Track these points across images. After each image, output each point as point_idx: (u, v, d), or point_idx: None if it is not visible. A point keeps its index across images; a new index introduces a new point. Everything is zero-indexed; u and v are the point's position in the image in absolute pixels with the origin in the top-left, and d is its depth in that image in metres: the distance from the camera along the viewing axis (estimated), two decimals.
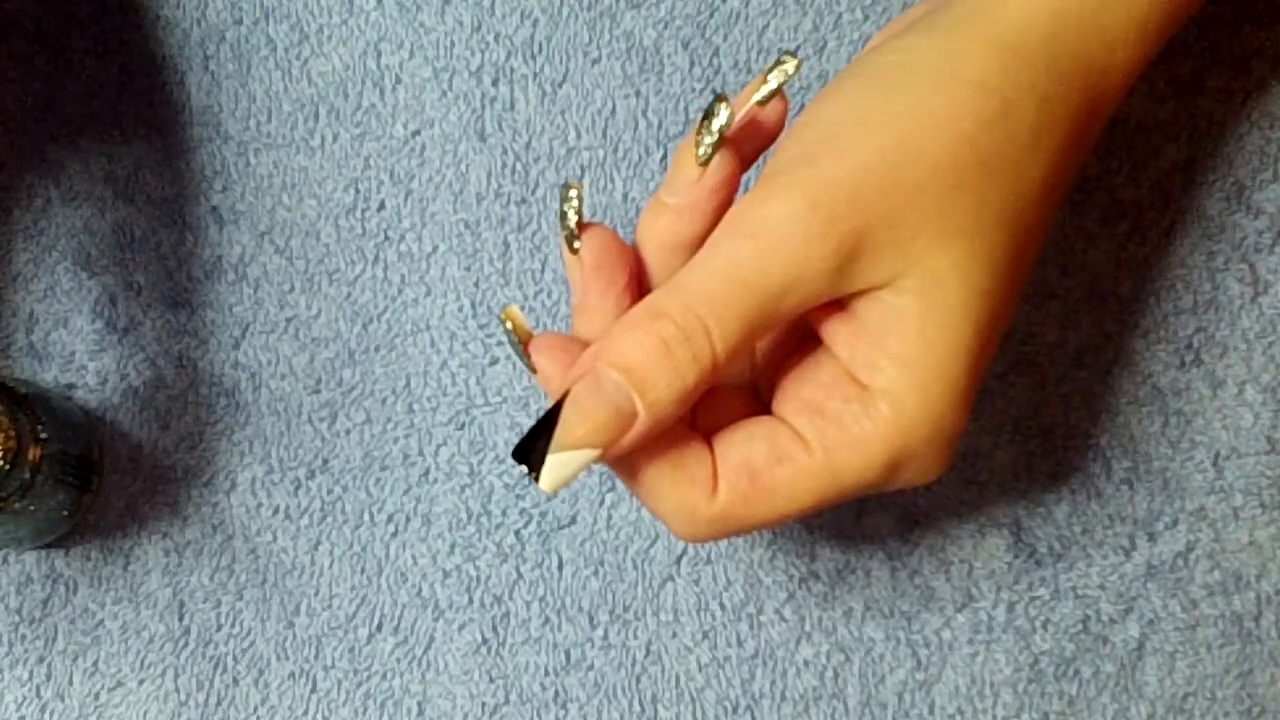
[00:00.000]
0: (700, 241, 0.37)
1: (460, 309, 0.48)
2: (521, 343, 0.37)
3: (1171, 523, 0.47)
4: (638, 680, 0.47)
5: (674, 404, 0.35)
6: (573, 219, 0.37)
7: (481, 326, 0.48)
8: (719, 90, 0.36)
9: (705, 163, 0.37)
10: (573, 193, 0.37)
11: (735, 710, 0.47)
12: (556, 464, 0.35)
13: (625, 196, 0.48)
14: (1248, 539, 0.47)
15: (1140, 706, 0.47)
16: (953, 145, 0.35)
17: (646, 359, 0.35)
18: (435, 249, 0.48)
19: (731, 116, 0.36)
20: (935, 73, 0.36)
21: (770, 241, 0.35)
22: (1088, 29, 0.37)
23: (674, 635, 0.47)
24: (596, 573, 0.47)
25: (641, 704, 0.47)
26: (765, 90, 0.37)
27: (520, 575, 0.47)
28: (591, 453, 0.35)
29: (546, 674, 0.47)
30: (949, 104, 0.36)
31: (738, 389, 0.40)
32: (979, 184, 0.36)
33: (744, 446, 0.37)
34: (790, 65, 0.36)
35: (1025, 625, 0.47)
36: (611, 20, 0.48)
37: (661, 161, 0.48)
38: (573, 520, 0.47)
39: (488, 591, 0.47)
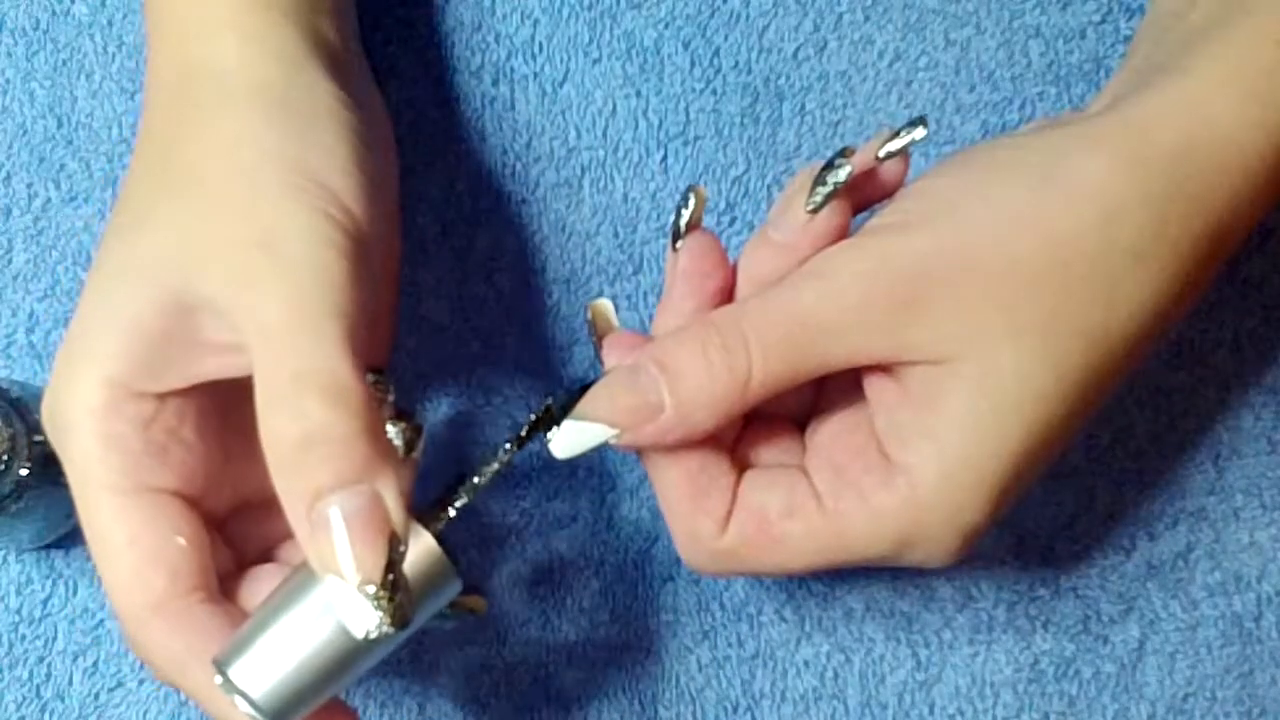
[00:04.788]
0: None
1: (459, 308, 0.48)
2: (599, 336, 0.39)
3: (1171, 523, 0.47)
4: (638, 680, 0.47)
5: (703, 408, 0.36)
6: (684, 220, 0.38)
7: (480, 326, 0.48)
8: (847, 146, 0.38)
9: (814, 211, 0.37)
10: (692, 198, 0.38)
11: (735, 710, 0.47)
12: (570, 430, 0.37)
13: (625, 196, 0.48)
14: (1248, 539, 0.47)
15: (1140, 706, 0.47)
16: (1036, 244, 0.35)
17: (683, 358, 0.36)
18: (434, 248, 0.48)
19: (850, 173, 0.37)
20: (1034, 171, 0.36)
21: (831, 287, 0.36)
22: (1228, 152, 0.36)
23: (674, 635, 0.47)
24: (597, 573, 0.47)
25: (641, 704, 0.47)
26: (888, 149, 0.37)
27: (520, 575, 0.47)
28: (607, 430, 0.36)
29: (546, 674, 0.47)
30: (1039, 202, 0.35)
31: (789, 425, 0.40)
32: (1061, 287, 0.35)
33: (763, 493, 0.38)
34: (920, 132, 0.37)
35: (1025, 625, 0.47)
36: (612, 20, 0.48)
37: (662, 162, 0.48)
38: (573, 520, 0.47)
39: (487, 591, 0.47)
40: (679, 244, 0.38)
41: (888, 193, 0.38)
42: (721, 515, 0.38)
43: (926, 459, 0.36)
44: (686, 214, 0.38)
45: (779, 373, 0.36)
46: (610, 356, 0.38)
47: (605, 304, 0.39)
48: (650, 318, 0.48)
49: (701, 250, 0.38)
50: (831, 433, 0.39)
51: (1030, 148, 0.37)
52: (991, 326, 0.35)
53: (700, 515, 0.38)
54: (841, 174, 0.36)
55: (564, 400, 0.37)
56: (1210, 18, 0.38)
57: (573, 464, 0.47)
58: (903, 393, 0.36)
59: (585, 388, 0.37)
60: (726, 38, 0.48)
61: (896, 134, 0.37)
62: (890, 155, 0.37)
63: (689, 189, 0.38)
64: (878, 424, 0.37)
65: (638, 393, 0.36)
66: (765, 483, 0.38)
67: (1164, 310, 0.36)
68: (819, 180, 0.37)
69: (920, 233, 0.36)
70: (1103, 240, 0.35)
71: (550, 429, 0.37)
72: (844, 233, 0.37)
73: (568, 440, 0.37)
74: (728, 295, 0.39)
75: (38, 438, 0.43)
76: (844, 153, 0.37)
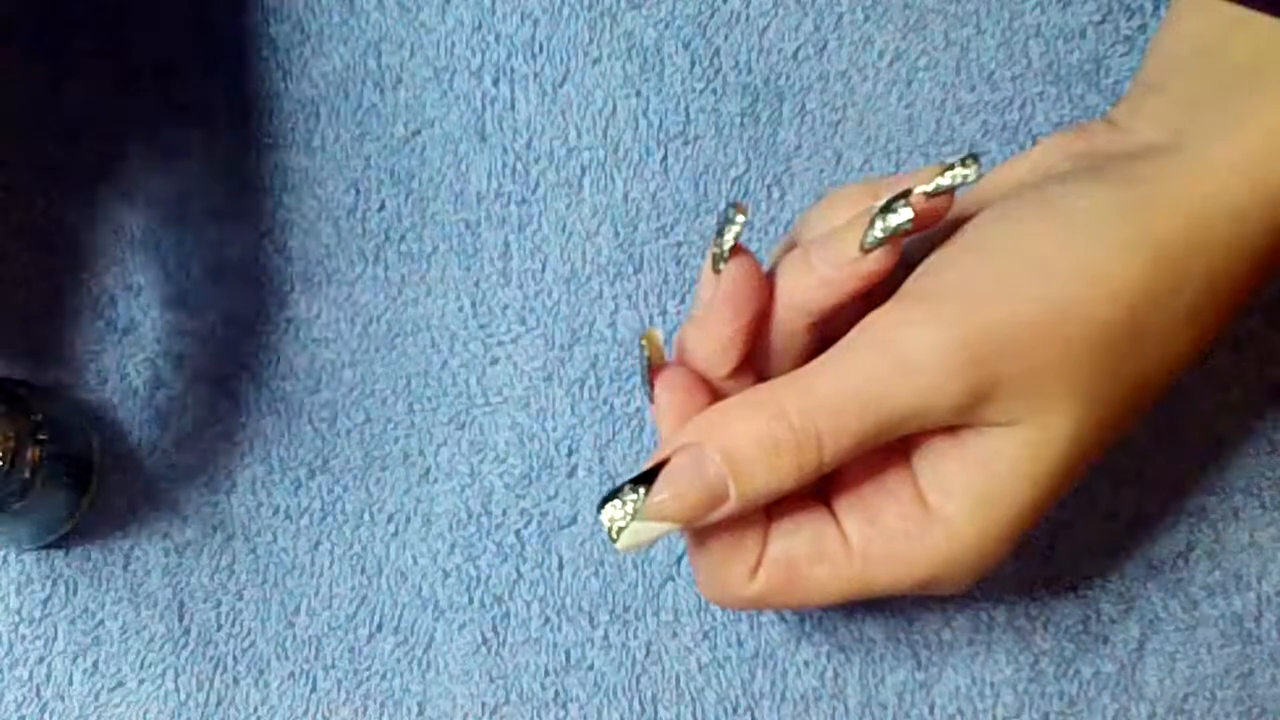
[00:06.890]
0: (828, 314, 0.38)
1: (460, 309, 0.48)
2: (652, 369, 0.38)
3: (1172, 523, 0.47)
4: (638, 680, 0.47)
5: (766, 499, 0.36)
6: (728, 241, 0.37)
7: (482, 326, 0.48)
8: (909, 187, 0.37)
9: (868, 250, 0.36)
10: (739, 216, 0.37)
11: (735, 710, 0.47)
12: (638, 530, 0.36)
13: (625, 196, 0.48)
14: (1248, 539, 0.47)
15: (1140, 706, 0.47)
16: (1113, 310, 0.35)
17: (752, 454, 0.35)
18: (435, 249, 0.48)
19: (911, 219, 0.36)
20: (1117, 232, 0.35)
21: (908, 368, 0.35)
22: (1275, 211, 0.36)
23: (674, 635, 0.47)
24: (597, 573, 0.47)
25: (641, 704, 0.47)
26: (938, 185, 0.36)
27: (520, 575, 0.47)
28: (674, 526, 0.36)
29: (547, 674, 0.47)
30: (1124, 270, 0.35)
31: None
32: (1124, 351, 0.35)
33: (789, 540, 0.38)
34: (972, 172, 0.36)
35: (1025, 625, 0.47)
36: (612, 20, 0.48)
37: (662, 162, 0.48)
38: (573, 520, 0.47)
39: (488, 591, 0.47)
40: (721, 266, 0.37)
41: (928, 225, 0.38)
42: (752, 563, 0.38)
43: (967, 516, 0.36)
44: (729, 236, 0.37)
45: (846, 457, 0.36)
46: (663, 394, 0.38)
47: (657, 334, 0.38)
48: (650, 318, 0.48)
49: (744, 275, 0.37)
50: (864, 470, 0.38)
51: (1109, 203, 0.36)
52: (1055, 392, 0.35)
53: (733, 564, 0.38)
54: (903, 217, 0.36)
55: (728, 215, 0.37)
56: (1258, 54, 0.37)
57: (573, 464, 0.47)
58: (954, 444, 0.36)
59: (639, 479, 0.36)
60: (726, 38, 0.48)
61: (949, 168, 0.36)
62: (939, 192, 0.36)
63: (730, 205, 0.37)
64: (918, 465, 0.37)
65: (704, 488, 0.36)
66: (791, 528, 0.38)
67: (1199, 354, 0.37)
68: (877, 219, 0.36)
69: (998, 303, 0.35)
70: (1169, 307, 0.35)
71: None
72: (890, 271, 0.37)
73: (633, 540, 0.36)
74: (766, 318, 0.38)
75: (41, 437, 0.43)
76: (905, 195, 0.36)
